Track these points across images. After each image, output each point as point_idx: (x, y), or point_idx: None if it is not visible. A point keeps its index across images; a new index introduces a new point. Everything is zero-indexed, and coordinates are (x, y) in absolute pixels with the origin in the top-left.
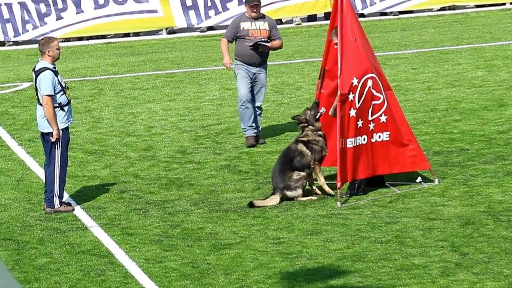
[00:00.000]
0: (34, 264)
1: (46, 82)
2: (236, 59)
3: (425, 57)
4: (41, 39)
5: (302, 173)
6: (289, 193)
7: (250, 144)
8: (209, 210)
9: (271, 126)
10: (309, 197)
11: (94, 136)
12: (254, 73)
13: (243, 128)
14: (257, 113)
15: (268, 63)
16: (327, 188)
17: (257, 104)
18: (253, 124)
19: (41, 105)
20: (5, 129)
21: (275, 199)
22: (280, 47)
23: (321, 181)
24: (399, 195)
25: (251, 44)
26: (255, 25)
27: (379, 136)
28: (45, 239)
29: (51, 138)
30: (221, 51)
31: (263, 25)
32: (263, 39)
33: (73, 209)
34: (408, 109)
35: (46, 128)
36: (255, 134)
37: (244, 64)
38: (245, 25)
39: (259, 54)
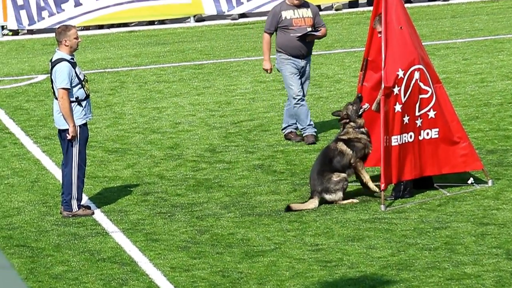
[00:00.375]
0: (50, 272)
1: (62, 74)
2: (279, 52)
3: (477, 47)
4: (58, 28)
5: (343, 175)
6: (328, 196)
7: (310, 142)
8: (241, 214)
9: None
10: (350, 200)
11: (116, 133)
12: (303, 66)
13: (302, 128)
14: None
15: None
16: (372, 185)
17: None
18: (311, 122)
19: (56, 98)
20: (19, 125)
21: (313, 203)
22: (325, 35)
23: (365, 178)
24: (449, 198)
25: (299, 35)
26: (298, 13)
27: (427, 134)
28: (62, 246)
29: (67, 135)
30: (263, 50)
31: (306, 13)
32: (308, 28)
33: (93, 213)
34: (459, 104)
35: (63, 125)
36: (315, 133)
37: (291, 57)
38: (287, 14)
39: (306, 45)
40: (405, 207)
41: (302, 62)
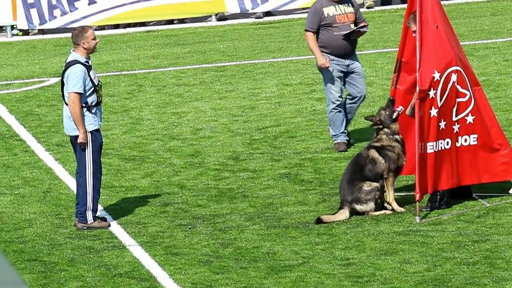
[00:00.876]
0: None
1: (75, 78)
2: (322, 52)
3: None
4: (74, 30)
5: (375, 184)
6: (358, 207)
7: (342, 149)
8: (266, 226)
9: None
10: (383, 211)
11: (133, 140)
12: (348, 65)
13: (334, 135)
14: (356, 105)
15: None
16: (395, 206)
17: (362, 94)
18: (345, 130)
19: (66, 103)
20: (30, 132)
21: (343, 214)
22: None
23: (390, 196)
24: (489, 209)
25: (345, 33)
26: (339, 9)
27: (465, 140)
28: (76, 260)
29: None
30: (310, 48)
31: (348, 8)
32: (351, 25)
33: (109, 225)
34: (499, 108)
35: (72, 131)
36: (346, 141)
37: (335, 58)
38: (329, 11)
39: (350, 43)
40: (442, 219)
41: (346, 61)
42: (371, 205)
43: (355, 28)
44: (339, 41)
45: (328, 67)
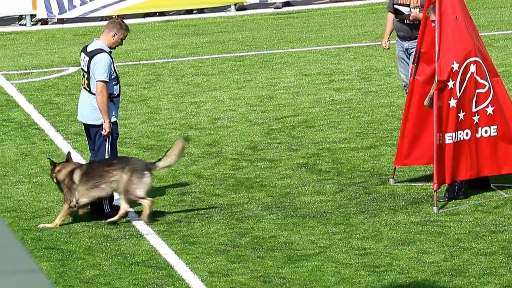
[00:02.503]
0: (81, 277)
1: (103, 66)
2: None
3: None
4: (116, 19)
5: None
6: None
7: None
8: (283, 216)
9: (357, 118)
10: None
11: (151, 129)
12: (406, 49)
13: None
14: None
15: (353, 44)
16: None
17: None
18: None
19: (89, 92)
20: (49, 120)
21: None
22: (417, 19)
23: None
24: (507, 200)
25: (395, 14)
26: None
27: (486, 131)
28: (93, 248)
29: (101, 131)
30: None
31: None
32: (413, 9)
33: (127, 214)
34: None
35: (93, 119)
36: None
37: (398, 40)
38: None
39: (407, 26)
40: (459, 209)
41: (405, 44)
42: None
43: (402, 11)
44: (397, 23)
45: (386, 48)
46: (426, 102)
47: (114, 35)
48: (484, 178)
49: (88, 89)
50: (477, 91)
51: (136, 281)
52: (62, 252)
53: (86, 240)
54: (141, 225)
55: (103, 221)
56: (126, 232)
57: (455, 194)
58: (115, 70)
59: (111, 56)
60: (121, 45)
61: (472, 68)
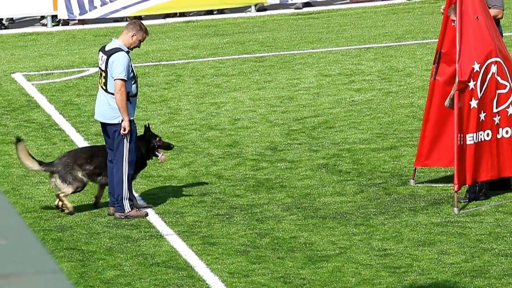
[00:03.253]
0: (102, 277)
1: (121, 65)
2: None
3: None
4: (136, 21)
5: None
6: None
7: None
8: (304, 217)
9: (377, 119)
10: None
11: (171, 129)
12: None
13: None
14: None
15: (373, 45)
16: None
17: None
18: None
19: (106, 90)
20: (69, 121)
21: None
22: (494, 16)
23: None
24: None
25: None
26: None
27: (507, 132)
28: (114, 249)
29: (121, 130)
30: None
31: None
32: None
33: (147, 214)
34: None
35: (111, 118)
36: None
37: None
38: None
39: None
40: (480, 210)
41: None
42: (70, 189)
43: None
44: None
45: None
46: (447, 103)
47: (132, 36)
48: (505, 178)
49: (105, 88)
50: (498, 91)
51: (156, 281)
52: (83, 252)
53: (106, 240)
54: (161, 226)
55: (124, 221)
56: (146, 233)
57: (476, 195)
58: (132, 70)
59: (129, 56)
60: (139, 47)
61: (493, 68)
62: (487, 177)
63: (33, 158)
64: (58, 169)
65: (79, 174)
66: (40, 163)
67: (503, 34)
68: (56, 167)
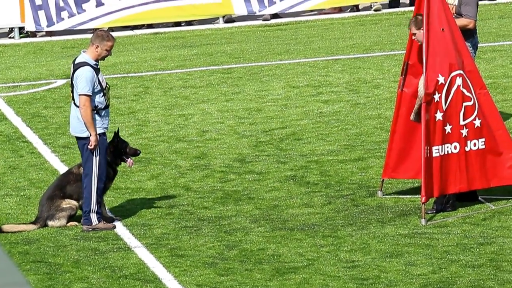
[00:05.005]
0: None
1: (83, 80)
2: None
3: None
4: (100, 30)
5: (73, 202)
6: (50, 223)
7: None
8: (272, 228)
9: (345, 130)
10: (74, 223)
11: (139, 141)
12: None
13: None
14: None
15: (341, 56)
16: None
17: None
18: None
19: (75, 104)
20: (37, 133)
21: (31, 227)
22: (463, 26)
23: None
24: (495, 212)
25: None
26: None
27: (474, 144)
28: (81, 261)
29: (88, 145)
30: None
31: (453, 0)
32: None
33: (114, 227)
34: (506, 111)
35: (80, 132)
36: None
37: None
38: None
39: None
40: (447, 221)
41: None
42: (63, 221)
43: None
44: None
45: None
46: (412, 117)
47: (96, 48)
48: (472, 190)
49: (74, 102)
50: (464, 104)
51: None
52: (50, 265)
53: (74, 253)
54: (129, 238)
55: (91, 233)
56: (114, 245)
57: (443, 206)
58: (99, 83)
59: (96, 69)
60: (110, 55)
61: (458, 81)
62: (456, 189)
63: (23, 223)
64: (44, 215)
65: (63, 205)
66: (34, 222)
67: (478, 45)
68: (42, 214)
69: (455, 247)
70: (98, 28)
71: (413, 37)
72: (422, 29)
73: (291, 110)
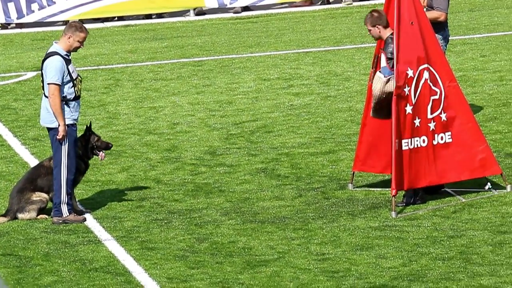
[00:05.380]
0: (39, 283)
1: (53, 69)
2: None
3: (496, 43)
4: (74, 21)
5: (44, 195)
6: (20, 215)
7: None
8: (242, 221)
9: (316, 123)
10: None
11: (110, 134)
12: None
13: None
14: None
15: (312, 49)
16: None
17: None
18: None
19: (44, 94)
20: (6, 126)
21: (1, 219)
22: (433, 18)
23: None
24: (465, 204)
25: None
26: None
27: (442, 138)
28: (51, 254)
29: (56, 135)
30: None
31: None
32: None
33: (84, 219)
34: (476, 104)
35: (49, 122)
36: None
37: None
38: None
39: None
40: (417, 214)
41: None
42: (33, 214)
43: None
44: None
45: None
46: (371, 114)
47: (69, 38)
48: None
49: (43, 92)
50: (432, 97)
51: (94, 287)
52: (20, 258)
53: (44, 246)
54: (99, 231)
55: (61, 226)
56: (84, 238)
57: (413, 199)
58: (69, 73)
59: (67, 60)
60: (82, 47)
61: (426, 74)
62: (426, 183)
63: None
64: (14, 208)
65: (33, 197)
66: (4, 215)
67: (449, 38)
68: (12, 207)
69: (425, 239)
70: (68, 20)
71: (368, 33)
72: (377, 27)
73: (262, 103)
